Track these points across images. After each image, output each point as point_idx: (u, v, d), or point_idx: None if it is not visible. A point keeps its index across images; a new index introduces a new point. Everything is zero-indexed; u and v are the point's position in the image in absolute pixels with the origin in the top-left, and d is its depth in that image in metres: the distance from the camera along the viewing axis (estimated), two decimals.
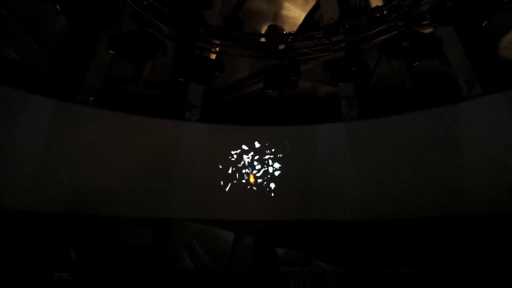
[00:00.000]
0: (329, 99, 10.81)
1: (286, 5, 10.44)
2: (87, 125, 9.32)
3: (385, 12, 8.07)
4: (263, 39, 9.29)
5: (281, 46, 9.23)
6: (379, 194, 9.73)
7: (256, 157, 10.67)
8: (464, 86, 8.82)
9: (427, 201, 9.08)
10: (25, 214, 8.52)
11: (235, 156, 10.63)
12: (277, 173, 10.61)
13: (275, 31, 9.16)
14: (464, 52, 8.73)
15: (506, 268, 7.68)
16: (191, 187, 10.25)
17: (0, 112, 8.18)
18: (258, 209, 10.32)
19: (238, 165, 10.59)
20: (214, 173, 10.47)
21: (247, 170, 10.60)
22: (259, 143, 10.72)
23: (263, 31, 10.28)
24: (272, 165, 10.64)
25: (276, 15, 10.56)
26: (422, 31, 7.57)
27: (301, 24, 10.37)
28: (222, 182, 10.47)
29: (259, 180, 10.60)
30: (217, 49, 9.38)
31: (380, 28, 8.32)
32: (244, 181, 10.54)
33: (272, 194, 10.46)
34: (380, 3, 8.85)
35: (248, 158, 10.64)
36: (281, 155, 10.67)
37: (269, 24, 9.71)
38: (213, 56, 9.52)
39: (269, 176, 10.59)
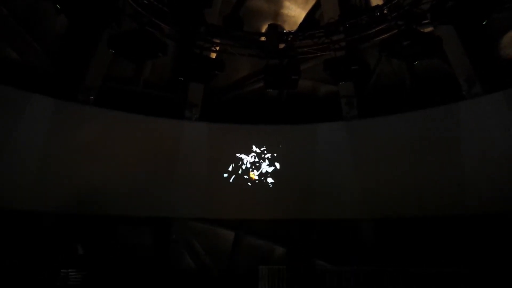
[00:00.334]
0: (329, 98, 10.81)
1: (287, 4, 10.44)
2: (87, 124, 9.33)
3: (385, 11, 8.07)
4: (263, 38, 9.28)
5: (282, 45, 9.22)
6: (379, 193, 9.73)
7: (256, 156, 10.66)
8: (464, 85, 8.82)
9: (427, 200, 9.09)
10: (24, 214, 8.54)
11: (235, 155, 10.63)
12: (277, 172, 10.59)
13: (276, 30, 9.16)
14: (464, 51, 8.73)
15: (506, 268, 7.69)
16: (191, 186, 10.26)
17: (0, 112, 8.18)
18: (258, 208, 10.33)
19: (238, 164, 10.59)
20: (214, 172, 10.47)
21: (247, 169, 10.59)
22: (259, 142, 10.71)
23: (263, 30, 10.28)
24: (272, 164, 10.63)
25: (276, 14, 10.56)
26: (422, 30, 7.56)
27: (301, 23, 10.38)
28: (222, 181, 10.47)
29: (259, 179, 10.59)
30: (217, 48, 9.38)
31: (381, 27, 8.32)
32: (244, 180, 10.54)
33: (272, 193, 10.45)
34: (380, 2, 8.85)
35: (248, 157, 10.63)
36: (281, 154, 10.65)
37: (269, 23, 9.72)
38: (213, 55, 9.51)
39: (269, 175, 10.59)
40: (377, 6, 8.60)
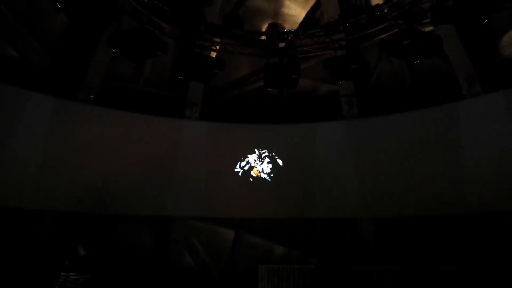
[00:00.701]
0: (330, 97, 10.81)
1: (287, 3, 10.44)
2: (87, 123, 9.32)
3: (385, 10, 8.07)
4: (263, 37, 9.28)
5: (282, 44, 9.22)
6: (379, 192, 9.73)
7: (256, 155, 10.66)
8: (464, 85, 8.81)
9: (427, 199, 9.09)
10: (24, 213, 8.54)
11: (235, 154, 10.63)
12: (277, 171, 10.59)
13: (276, 29, 9.16)
14: (464, 50, 8.72)
15: (506, 267, 7.69)
16: (191, 185, 10.26)
17: (0, 111, 8.18)
18: (258, 207, 10.33)
19: (238, 163, 10.59)
20: (214, 171, 10.46)
21: (247, 168, 10.59)
22: (259, 141, 10.70)
23: (263, 29, 10.28)
24: (272, 163, 10.63)
25: (276, 13, 10.56)
26: (422, 29, 7.57)
27: (301, 22, 10.38)
28: (222, 180, 10.47)
29: (259, 178, 10.60)
30: (218, 47, 9.38)
31: (381, 26, 8.32)
32: (244, 179, 10.54)
33: (272, 192, 10.45)
34: (380, 1, 8.84)
35: (249, 156, 10.63)
36: (281, 153, 10.65)
37: (269, 22, 9.72)
38: (214, 54, 9.52)
39: (269, 174, 10.59)
40: (377, 5, 8.60)
